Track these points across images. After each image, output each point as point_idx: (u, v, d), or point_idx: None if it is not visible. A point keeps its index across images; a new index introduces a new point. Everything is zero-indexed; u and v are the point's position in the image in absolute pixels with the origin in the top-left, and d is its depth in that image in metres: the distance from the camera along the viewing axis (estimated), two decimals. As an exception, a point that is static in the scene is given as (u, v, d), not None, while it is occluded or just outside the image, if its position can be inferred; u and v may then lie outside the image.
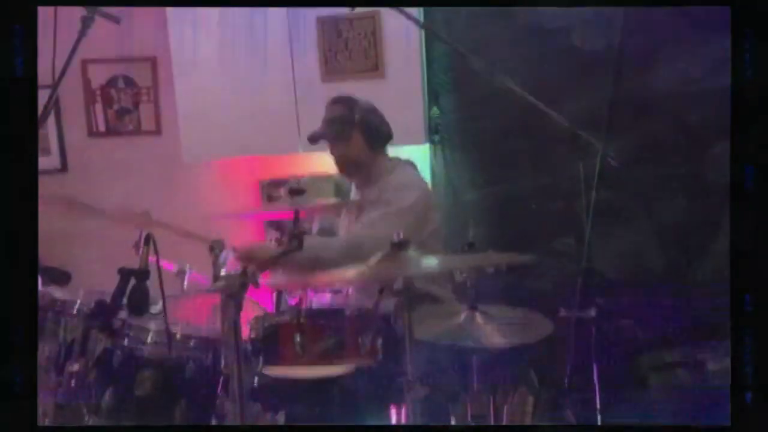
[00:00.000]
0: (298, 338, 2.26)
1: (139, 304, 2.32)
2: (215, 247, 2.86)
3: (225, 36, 3.96)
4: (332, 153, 3.30)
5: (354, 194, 3.45)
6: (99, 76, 4.41)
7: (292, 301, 2.90)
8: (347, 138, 3.24)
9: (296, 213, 2.34)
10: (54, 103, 2.71)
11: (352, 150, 3.25)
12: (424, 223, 3.16)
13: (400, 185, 3.21)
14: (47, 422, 2.54)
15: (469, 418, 2.52)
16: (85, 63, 4.34)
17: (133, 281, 2.37)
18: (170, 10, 4.00)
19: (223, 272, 3.00)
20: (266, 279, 3.43)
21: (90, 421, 2.49)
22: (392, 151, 3.33)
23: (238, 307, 2.02)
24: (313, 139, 3.29)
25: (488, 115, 3.90)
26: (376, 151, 3.28)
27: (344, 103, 3.28)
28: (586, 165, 2.73)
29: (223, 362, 2.21)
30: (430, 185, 3.65)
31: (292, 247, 2.29)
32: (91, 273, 3.94)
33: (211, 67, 3.98)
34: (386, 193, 3.16)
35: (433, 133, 4.02)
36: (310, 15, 3.92)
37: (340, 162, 3.30)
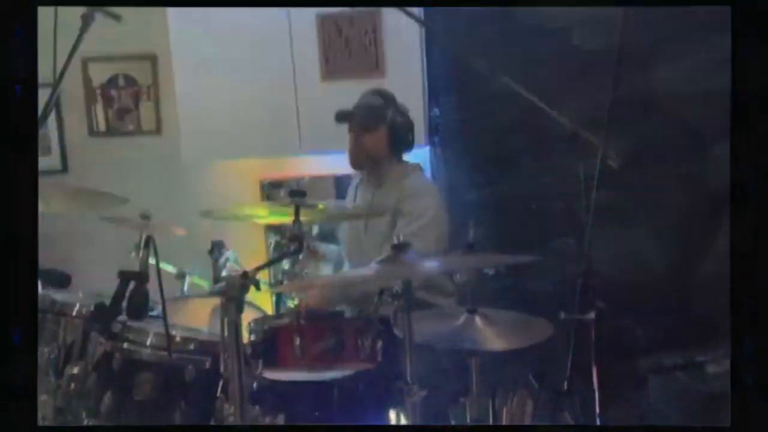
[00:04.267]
0: (297, 341, 2.26)
1: (139, 307, 2.32)
2: (215, 249, 2.86)
3: (225, 35, 3.95)
4: (350, 139, 3.30)
5: (356, 192, 3.43)
6: (99, 74, 4.40)
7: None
8: (374, 129, 3.25)
9: (297, 215, 2.33)
10: (54, 103, 2.71)
11: (373, 143, 3.26)
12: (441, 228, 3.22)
13: (419, 192, 3.25)
14: (47, 424, 2.54)
15: (469, 420, 2.52)
16: (85, 61, 4.34)
17: (132, 284, 2.36)
18: (171, 9, 3.99)
19: (223, 274, 3.02)
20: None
21: (89, 423, 2.49)
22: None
23: (239, 310, 2.01)
24: (340, 118, 3.28)
25: (488, 115, 3.90)
26: (393, 154, 3.29)
27: (382, 96, 3.31)
28: (586, 165, 2.72)
29: (222, 365, 2.20)
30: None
31: (293, 250, 2.28)
32: (91, 275, 3.94)
33: (211, 66, 3.97)
34: (409, 203, 3.19)
35: (433, 133, 4.02)
36: (310, 15, 3.91)
37: (357, 152, 3.30)
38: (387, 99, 3.31)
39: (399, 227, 3.12)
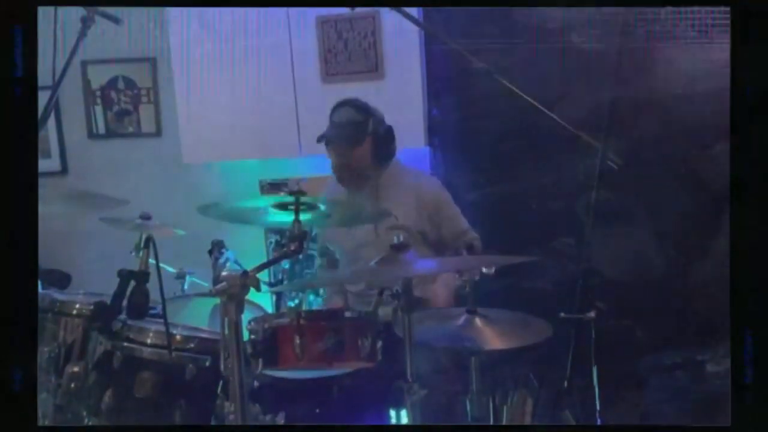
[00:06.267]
0: (297, 340, 2.26)
1: (139, 306, 2.32)
2: (215, 249, 2.85)
3: (225, 36, 3.95)
4: (335, 157, 3.27)
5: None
6: (99, 77, 4.40)
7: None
8: (357, 145, 3.22)
9: (297, 214, 2.33)
10: (54, 105, 2.71)
11: (357, 158, 3.24)
12: None
13: (429, 183, 3.35)
14: (47, 423, 2.54)
15: (469, 419, 2.52)
16: (85, 64, 4.34)
17: (133, 283, 2.36)
18: (170, 10, 3.99)
19: (223, 273, 3.00)
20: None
21: (90, 422, 2.48)
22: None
23: (239, 309, 2.01)
24: (326, 140, 3.26)
25: (488, 116, 3.90)
26: (378, 164, 3.27)
27: (358, 109, 3.26)
28: (586, 165, 2.73)
29: (222, 364, 2.20)
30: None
31: (293, 250, 2.28)
32: (91, 275, 3.94)
33: (211, 67, 3.97)
34: (434, 194, 3.31)
35: (433, 133, 4.02)
36: (310, 15, 3.91)
37: (341, 168, 3.27)
38: (365, 111, 3.26)
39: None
